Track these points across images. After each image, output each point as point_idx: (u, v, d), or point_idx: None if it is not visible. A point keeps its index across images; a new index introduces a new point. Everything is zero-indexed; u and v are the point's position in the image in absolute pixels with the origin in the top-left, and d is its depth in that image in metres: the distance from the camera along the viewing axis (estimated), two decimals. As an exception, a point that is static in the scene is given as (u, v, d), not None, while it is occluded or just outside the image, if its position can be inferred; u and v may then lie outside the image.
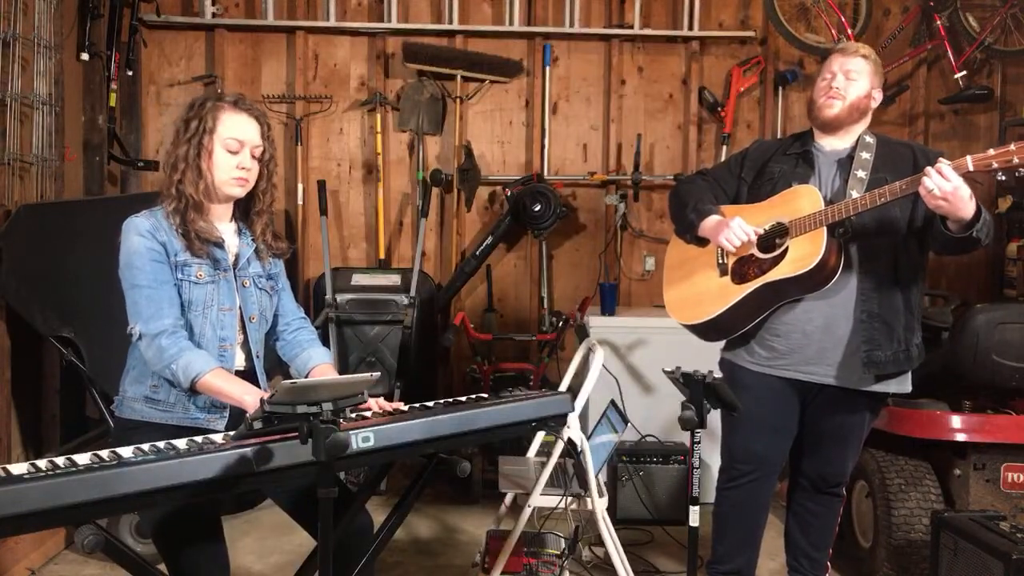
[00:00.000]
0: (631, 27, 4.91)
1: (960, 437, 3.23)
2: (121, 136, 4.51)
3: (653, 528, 3.92)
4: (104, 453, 1.73)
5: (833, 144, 2.70)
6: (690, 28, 4.90)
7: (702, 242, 2.78)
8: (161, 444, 1.81)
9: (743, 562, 2.83)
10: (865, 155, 2.63)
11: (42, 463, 1.65)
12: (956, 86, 4.75)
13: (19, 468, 1.59)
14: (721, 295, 2.69)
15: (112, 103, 4.39)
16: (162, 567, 2.07)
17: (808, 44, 4.68)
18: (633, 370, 4.24)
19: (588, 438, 3.14)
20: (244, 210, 2.32)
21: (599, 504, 3.02)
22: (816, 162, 2.70)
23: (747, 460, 2.78)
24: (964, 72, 4.69)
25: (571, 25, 4.90)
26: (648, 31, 4.92)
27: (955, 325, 3.36)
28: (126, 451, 1.77)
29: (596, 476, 3.09)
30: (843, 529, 3.55)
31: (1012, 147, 2.24)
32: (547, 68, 4.93)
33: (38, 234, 3.52)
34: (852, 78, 2.65)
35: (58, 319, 3.44)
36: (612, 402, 3.40)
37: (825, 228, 2.50)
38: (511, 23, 4.88)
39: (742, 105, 5.00)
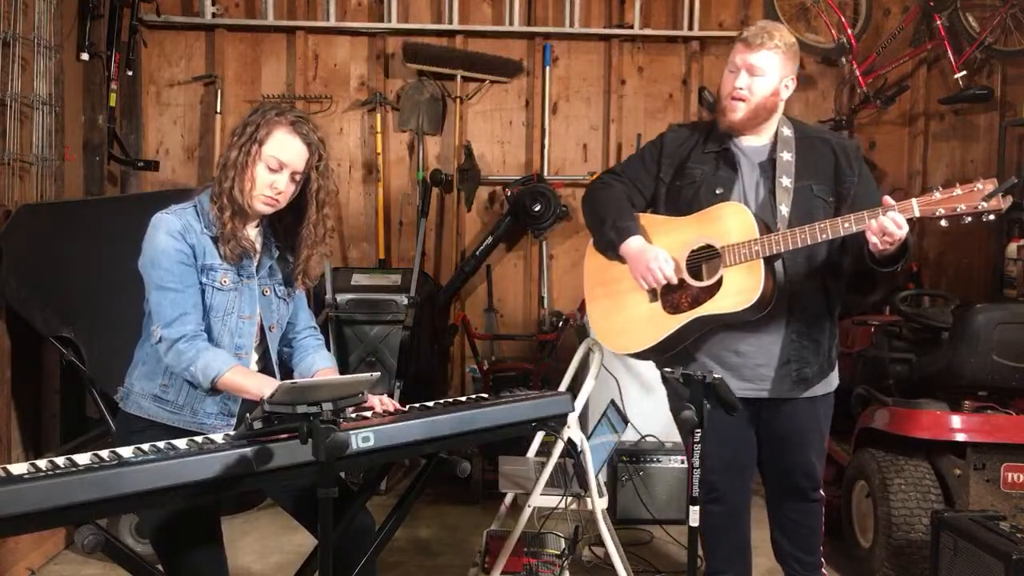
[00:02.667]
0: (631, 27, 4.91)
1: (960, 437, 3.22)
2: (121, 136, 4.52)
3: (653, 528, 3.92)
4: (104, 453, 1.73)
5: (751, 141, 2.55)
6: (690, 28, 4.90)
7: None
8: (161, 444, 1.81)
9: (738, 570, 2.78)
10: (786, 156, 2.50)
11: (42, 463, 1.65)
12: (956, 86, 4.75)
13: (19, 468, 1.59)
14: (652, 324, 2.56)
15: (112, 103, 4.40)
16: (161, 567, 2.07)
17: (808, 44, 4.69)
18: (633, 370, 4.24)
19: (588, 438, 3.14)
20: (288, 231, 2.29)
21: (599, 504, 3.02)
22: (738, 164, 2.55)
23: (713, 474, 2.62)
24: (964, 72, 4.70)
25: (571, 25, 4.91)
26: (648, 31, 4.92)
27: (955, 325, 3.36)
28: (126, 451, 1.77)
29: (596, 476, 3.08)
30: (843, 529, 3.56)
31: (957, 191, 2.14)
32: (547, 68, 4.93)
33: (38, 234, 3.52)
34: (757, 74, 2.45)
35: (58, 319, 3.44)
36: (612, 402, 3.40)
37: (762, 260, 2.37)
38: (511, 23, 4.88)
39: (742, 105, 4.99)
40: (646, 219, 2.64)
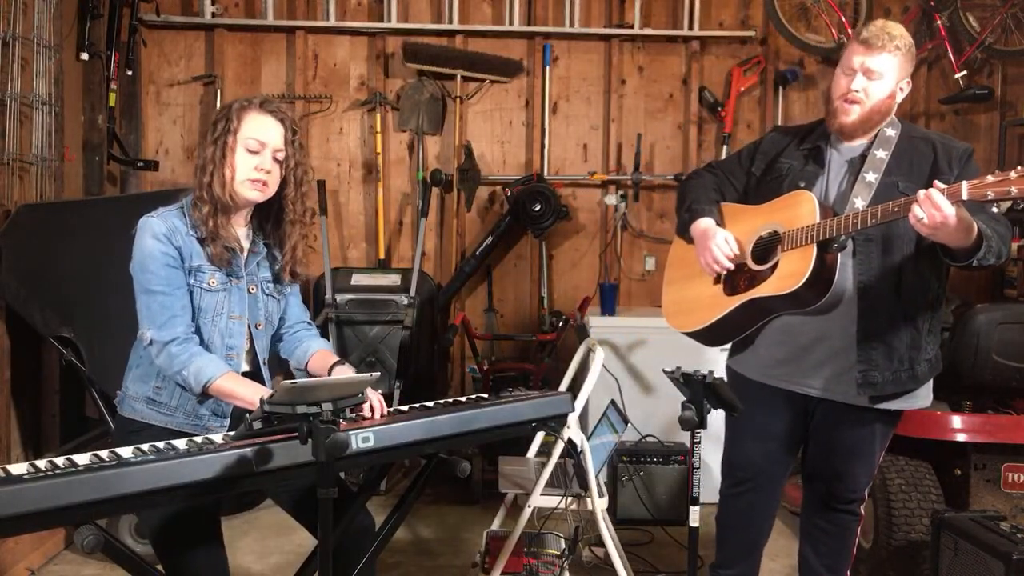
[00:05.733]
0: (631, 27, 4.90)
1: (960, 437, 3.22)
2: (121, 136, 4.51)
3: (653, 528, 3.92)
4: (104, 453, 1.73)
5: (850, 141, 2.50)
6: (690, 28, 4.89)
7: None
8: (161, 444, 1.81)
9: (745, 568, 2.77)
10: (881, 154, 2.41)
11: (42, 463, 1.65)
12: (956, 86, 4.75)
13: (19, 468, 1.59)
14: (712, 305, 2.57)
15: (112, 103, 4.39)
16: (162, 567, 2.07)
17: (808, 44, 4.68)
18: (633, 370, 4.24)
19: (588, 438, 3.14)
20: (275, 220, 2.27)
21: (599, 504, 3.02)
22: (827, 161, 2.51)
23: (745, 468, 2.70)
24: (964, 72, 4.69)
25: (571, 25, 4.90)
26: (648, 31, 4.91)
27: (955, 325, 3.36)
28: (126, 451, 1.77)
29: (596, 476, 3.08)
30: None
31: (1012, 175, 1.99)
32: (547, 68, 4.93)
33: (38, 234, 3.52)
34: (875, 78, 2.37)
35: (58, 319, 3.44)
36: (612, 402, 3.40)
37: (815, 245, 2.31)
38: (511, 23, 4.88)
39: (742, 105, 5.00)
40: (726, 207, 2.64)
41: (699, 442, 2.38)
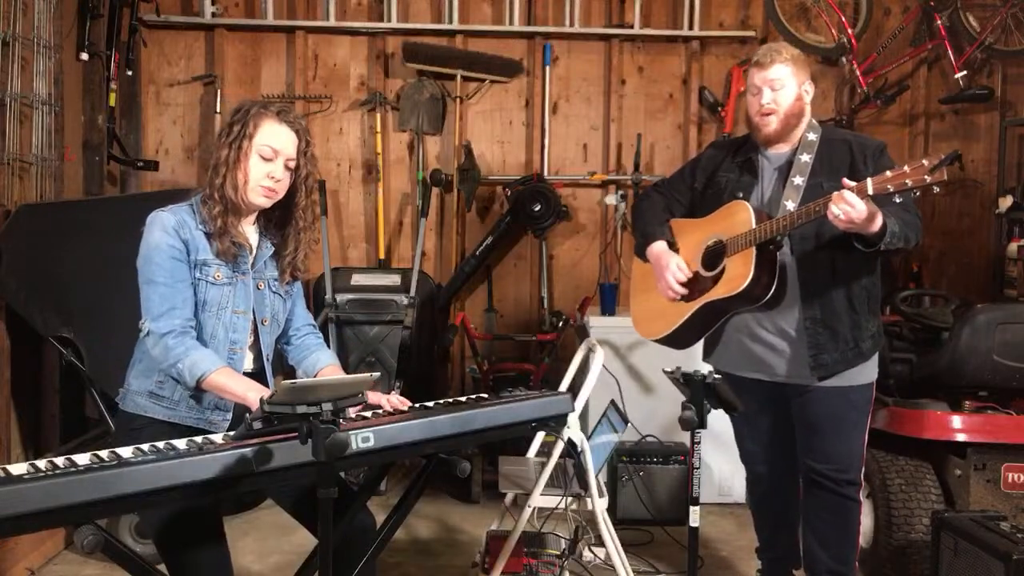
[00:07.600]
0: (631, 27, 4.91)
1: (960, 437, 3.23)
2: (121, 136, 4.51)
3: (653, 528, 3.92)
4: (104, 453, 1.73)
5: (776, 149, 2.74)
6: (690, 28, 4.89)
7: None
8: (161, 444, 1.81)
9: (784, 549, 2.94)
10: (805, 158, 2.66)
11: (42, 463, 1.65)
12: (956, 86, 4.75)
13: (19, 468, 1.59)
14: (674, 312, 2.80)
15: (112, 103, 4.39)
16: (162, 567, 2.07)
17: (808, 44, 4.68)
18: (633, 370, 4.24)
19: (588, 438, 3.14)
20: (283, 223, 2.30)
21: (599, 504, 3.02)
22: (760, 170, 2.75)
23: (750, 460, 2.95)
24: (964, 72, 4.69)
25: (571, 25, 4.90)
26: (648, 31, 4.92)
27: (955, 325, 3.36)
28: (126, 451, 1.77)
29: (596, 476, 3.08)
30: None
31: (906, 168, 2.26)
32: (547, 68, 4.93)
33: (38, 234, 3.52)
34: (778, 88, 2.66)
35: (58, 319, 3.43)
36: (612, 402, 3.40)
37: (754, 247, 2.56)
38: (511, 23, 4.88)
39: (742, 105, 4.97)
40: (676, 223, 2.90)
41: (699, 442, 2.38)
